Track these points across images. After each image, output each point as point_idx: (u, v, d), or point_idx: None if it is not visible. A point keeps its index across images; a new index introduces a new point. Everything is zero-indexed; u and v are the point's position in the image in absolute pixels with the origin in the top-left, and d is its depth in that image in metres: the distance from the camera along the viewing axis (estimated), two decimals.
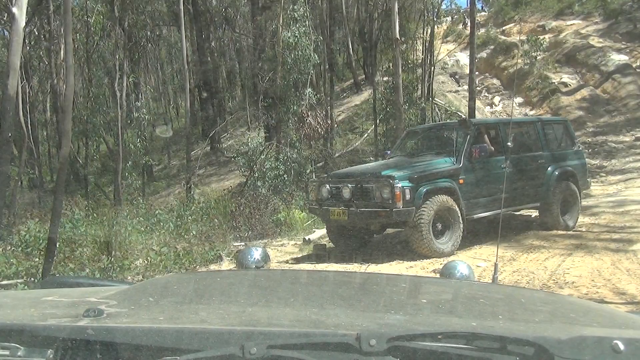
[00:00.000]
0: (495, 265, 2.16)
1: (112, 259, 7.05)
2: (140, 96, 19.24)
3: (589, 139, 15.07)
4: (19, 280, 6.66)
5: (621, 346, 0.87)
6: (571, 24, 21.04)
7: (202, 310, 1.19)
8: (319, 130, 11.79)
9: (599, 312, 1.37)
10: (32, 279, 6.61)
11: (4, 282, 6.80)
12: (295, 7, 12.06)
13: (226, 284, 1.53)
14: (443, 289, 1.53)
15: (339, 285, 1.53)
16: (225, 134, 21.94)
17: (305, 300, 1.30)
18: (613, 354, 0.87)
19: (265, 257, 1.97)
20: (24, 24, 7.52)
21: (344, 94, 22.42)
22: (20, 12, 7.17)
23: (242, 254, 2.01)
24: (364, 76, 22.09)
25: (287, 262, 7.03)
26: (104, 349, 0.94)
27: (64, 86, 9.94)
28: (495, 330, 0.99)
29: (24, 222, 11.34)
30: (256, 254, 1.94)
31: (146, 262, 7.32)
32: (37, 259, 7.64)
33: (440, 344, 0.89)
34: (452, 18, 26.96)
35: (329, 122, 14.00)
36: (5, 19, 13.29)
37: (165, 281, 1.88)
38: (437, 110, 16.27)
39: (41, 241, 8.72)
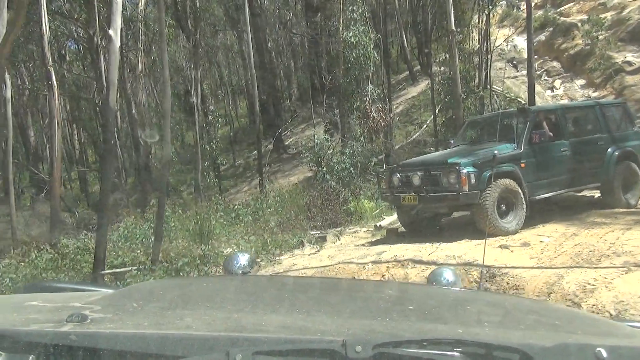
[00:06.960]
0: (481, 271, 2.12)
1: (209, 246, 8.05)
2: (211, 100, 20.54)
3: None
4: (134, 267, 7.74)
5: (604, 354, 0.88)
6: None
7: (187, 316, 1.17)
8: (382, 123, 12.40)
9: (584, 319, 1.43)
10: (143, 266, 7.64)
11: (119, 270, 7.92)
12: (354, 7, 12.70)
13: (212, 290, 1.52)
14: (429, 295, 1.51)
15: (325, 292, 1.53)
16: (286, 132, 22.90)
17: (292, 307, 1.29)
18: None
19: (252, 263, 1.93)
20: (119, 44, 8.61)
21: (400, 86, 22.72)
22: (115, 33, 8.27)
23: (227, 259, 1.97)
24: (419, 67, 22.31)
25: (363, 245, 7.76)
26: (86, 355, 0.92)
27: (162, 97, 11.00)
28: (481, 337, 0.99)
29: (120, 220, 12.78)
30: (242, 259, 1.88)
31: (237, 249, 8.26)
32: (139, 251, 8.77)
33: (425, 351, 0.90)
34: (507, 1, 26.55)
35: (391, 115, 14.53)
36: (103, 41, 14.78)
37: (150, 287, 1.87)
38: (495, 97, 16.35)
39: (138, 236, 9.98)
